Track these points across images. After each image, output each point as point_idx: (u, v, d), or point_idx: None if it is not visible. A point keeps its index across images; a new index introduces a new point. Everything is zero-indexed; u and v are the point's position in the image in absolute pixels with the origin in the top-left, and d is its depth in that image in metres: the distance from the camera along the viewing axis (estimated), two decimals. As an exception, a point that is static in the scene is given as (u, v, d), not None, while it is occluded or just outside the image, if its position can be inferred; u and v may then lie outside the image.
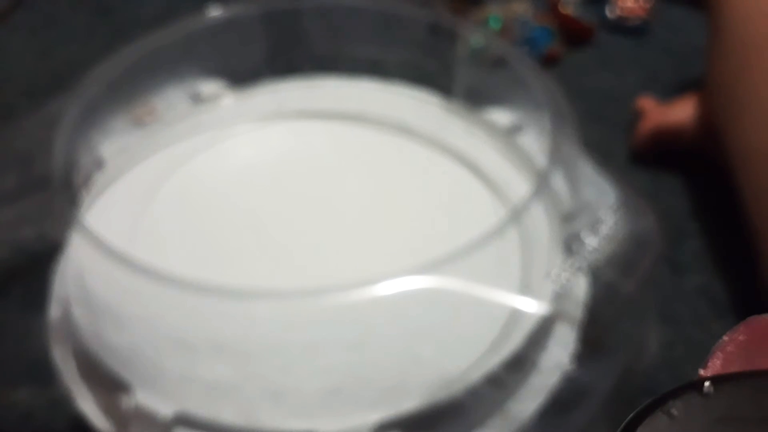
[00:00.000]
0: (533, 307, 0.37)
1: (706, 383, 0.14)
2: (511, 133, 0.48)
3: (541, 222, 0.42)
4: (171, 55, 0.48)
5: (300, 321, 0.37)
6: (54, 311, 0.40)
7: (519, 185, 0.45)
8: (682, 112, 0.55)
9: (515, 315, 0.37)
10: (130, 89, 0.47)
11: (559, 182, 0.42)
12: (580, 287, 0.39)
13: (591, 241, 0.40)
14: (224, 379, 0.36)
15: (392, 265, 0.36)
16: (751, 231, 0.46)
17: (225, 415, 0.34)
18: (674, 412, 0.14)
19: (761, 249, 0.45)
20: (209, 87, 0.51)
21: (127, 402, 0.35)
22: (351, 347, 0.37)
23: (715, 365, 0.15)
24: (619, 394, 0.37)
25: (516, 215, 0.41)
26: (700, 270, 0.50)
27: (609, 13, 0.68)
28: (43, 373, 0.39)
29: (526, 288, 0.39)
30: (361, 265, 0.41)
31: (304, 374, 0.36)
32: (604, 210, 0.41)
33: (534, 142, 0.46)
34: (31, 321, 0.41)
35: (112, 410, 0.36)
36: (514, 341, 0.36)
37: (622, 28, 0.68)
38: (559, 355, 0.38)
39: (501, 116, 0.48)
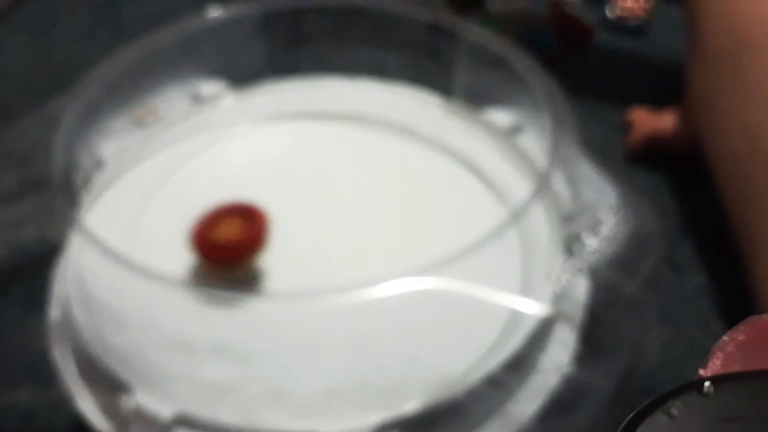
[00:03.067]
0: (533, 308, 0.37)
1: (706, 383, 0.14)
2: (511, 133, 0.48)
3: (541, 223, 0.42)
4: (171, 56, 0.48)
5: (300, 322, 0.37)
6: (54, 312, 0.40)
7: (519, 186, 0.45)
8: (671, 120, 0.56)
9: (515, 316, 0.37)
10: (131, 89, 0.47)
11: (559, 183, 0.42)
12: (581, 288, 0.39)
13: (591, 242, 0.40)
14: (224, 379, 0.36)
15: (392, 266, 0.36)
16: (734, 237, 0.46)
17: (225, 415, 0.34)
18: (674, 412, 0.14)
19: (744, 255, 0.45)
20: (209, 87, 0.51)
21: (127, 402, 0.35)
22: (351, 348, 0.37)
23: (715, 365, 0.15)
24: (619, 394, 0.37)
25: (516, 216, 0.41)
26: (700, 270, 0.50)
27: (609, 13, 0.68)
28: (43, 374, 0.39)
29: (526, 289, 0.39)
30: (361, 266, 0.41)
31: (305, 375, 0.36)
32: (605, 211, 0.41)
33: (534, 143, 0.46)
34: (31, 321, 0.41)
35: (112, 411, 0.36)
36: (514, 342, 0.36)
37: (622, 28, 0.68)
38: (559, 357, 0.38)
39: (501, 116, 0.48)
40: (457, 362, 0.36)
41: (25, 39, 0.67)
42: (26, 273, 0.45)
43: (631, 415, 0.14)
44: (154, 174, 0.46)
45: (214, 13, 0.49)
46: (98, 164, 0.46)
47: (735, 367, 0.15)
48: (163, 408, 0.34)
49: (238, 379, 0.36)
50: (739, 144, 0.46)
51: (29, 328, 0.41)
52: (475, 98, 0.49)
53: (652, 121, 0.57)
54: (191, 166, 0.47)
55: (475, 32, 0.50)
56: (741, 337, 0.15)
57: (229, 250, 0.39)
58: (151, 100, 0.49)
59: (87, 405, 0.37)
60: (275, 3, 0.50)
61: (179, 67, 0.49)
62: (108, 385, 0.36)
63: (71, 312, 0.39)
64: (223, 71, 0.51)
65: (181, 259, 0.40)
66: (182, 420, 0.34)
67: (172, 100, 0.50)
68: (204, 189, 0.46)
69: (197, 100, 0.50)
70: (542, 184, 0.41)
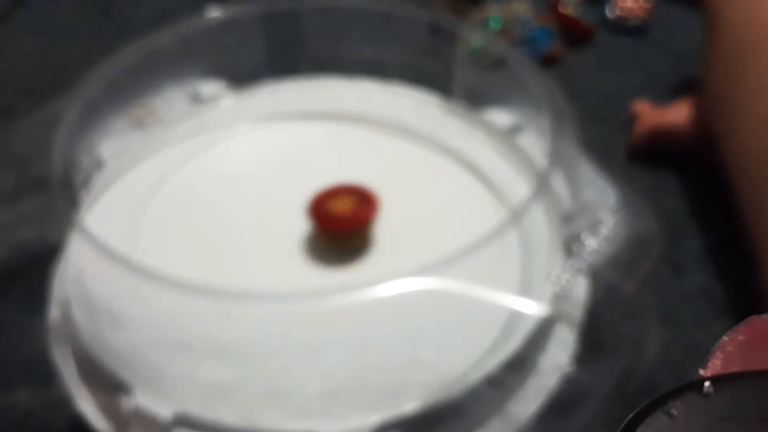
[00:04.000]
0: (533, 308, 0.37)
1: (706, 383, 0.14)
2: (510, 133, 0.48)
3: (541, 223, 0.42)
4: (171, 56, 0.48)
5: (300, 322, 0.37)
6: (54, 312, 0.40)
7: (519, 186, 0.45)
8: (677, 114, 0.55)
9: (515, 316, 0.37)
10: (130, 90, 0.47)
11: (559, 183, 0.42)
12: (580, 288, 0.39)
13: (591, 243, 0.40)
14: (224, 380, 0.36)
15: (392, 266, 0.36)
16: (748, 235, 0.46)
17: (225, 416, 0.34)
18: (674, 412, 0.14)
19: (758, 252, 0.45)
20: (209, 87, 0.51)
21: (127, 403, 0.35)
22: (351, 348, 0.37)
23: (715, 365, 0.15)
24: (619, 394, 0.37)
25: (516, 216, 0.41)
26: (700, 270, 0.49)
27: (609, 13, 0.68)
28: (43, 374, 0.39)
29: (526, 289, 0.39)
30: (361, 266, 0.41)
31: (305, 375, 0.36)
32: (604, 211, 0.41)
33: (534, 143, 0.46)
34: (30, 322, 0.41)
35: (111, 411, 0.36)
36: (514, 342, 0.36)
37: (622, 28, 0.68)
38: (558, 357, 0.38)
39: (501, 117, 0.48)
40: (457, 362, 0.36)
41: (25, 39, 0.67)
42: (26, 273, 0.45)
43: (631, 415, 0.14)
44: (154, 174, 0.46)
45: (214, 13, 0.49)
46: (98, 164, 0.46)
47: (735, 367, 0.15)
48: (162, 408, 0.34)
49: (238, 379, 0.36)
50: (757, 139, 0.46)
51: (29, 328, 0.41)
52: (474, 98, 0.49)
53: (656, 115, 0.57)
54: (191, 167, 0.47)
55: (474, 32, 0.50)
56: (741, 337, 0.15)
57: (340, 221, 0.43)
58: (151, 101, 0.49)
59: (87, 405, 0.37)
60: (275, 3, 0.50)
61: (179, 67, 0.49)
62: (107, 385, 0.36)
63: (71, 312, 0.39)
64: (223, 71, 0.51)
65: (180, 259, 0.41)
66: (182, 420, 0.34)
67: (171, 101, 0.50)
68: (204, 189, 0.46)
69: (197, 100, 0.50)
70: (542, 184, 0.41)
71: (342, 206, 0.42)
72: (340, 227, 0.42)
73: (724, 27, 0.51)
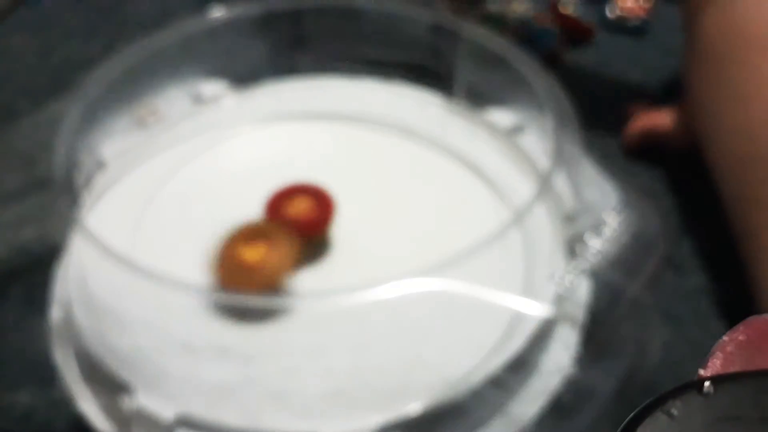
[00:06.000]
0: (536, 309, 0.37)
1: (706, 383, 0.14)
2: (513, 133, 0.48)
3: (543, 224, 0.42)
4: (172, 56, 0.48)
5: (302, 323, 0.37)
6: (55, 312, 0.40)
7: (521, 186, 0.45)
8: (666, 117, 0.56)
9: (518, 317, 0.37)
10: (132, 90, 0.47)
11: (561, 183, 0.42)
12: (583, 289, 0.39)
13: (594, 243, 0.40)
14: (226, 380, 0.36)
15: (394, 267, 0.36)
16: (735, 240, 0.46)
17: (227, 416, 0.34)
18: (674, 412, 0.14)
19: (744, 254, 0.45)
20: (211, 87, 0.51)
21: (128, 403, 0.35)
22: (353, 349, 0.37)
23: (715, 365, 0.15)
24: (621, 395, 0.37)
25: (518, 217, 0.41)
26: (701, 270, 0.49)
27: (609, 13, 0.68)
28: (45, 374, 0.39)
29: (528, 290, 0.39)
30: (363, 267, 0.41)
31: (307, 376, 0.36)
32: (607, 211, 0.41)
33: (536, 143, 0.46)
34: (32, 322, 0.41)
35: (113, 412, 0.36)
36: (517, 343, 0.36)
37: (622, 28, 0.68)
38: (561, 358, 0.38)
39: (503, 117, 0.48)
40: (460, 363, 0.36)
41: (26, 39, 0.67)
42: (27, 273, 0.45)
43: (631, 415, 0.14)
44: (156, 174, 0.46)
45: (215, 13, 0.49)
46: (100, 165, 0.46)
47: (735, 367, 0.15)
48: (164, 409, 0.34)
49: (240, 379, 0.36)
50: (737, 145, 0.46)
51: (30, 328, 0.41)
52: (476, 98, 0.49)
53: (650, 116, 0.57)
54: (192, 167, 0.47)
55: (475, 32, 0.50)
56: (741, 337, 0.15)
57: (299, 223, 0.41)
58: (152, 101, 0.49)
59: (88, 406, 0.37)
60: (276, 3, 0.50)
61: (180, 67, 0.49)
62: (109, 385, 0.36)
63: (73, 313, 0.39)
64: (224, 71, 0.51)
65: (182, 260, 0.40)
66: (183, 421, 0.34)
67: (173, 101, 0.50)
68: (205, 189, 0.46)
69: (198, 100, 0.50)
70: (544, 185, 0.41)
71: (298, 208, 0.41)
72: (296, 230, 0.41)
73: (701, 33, 0.51)
